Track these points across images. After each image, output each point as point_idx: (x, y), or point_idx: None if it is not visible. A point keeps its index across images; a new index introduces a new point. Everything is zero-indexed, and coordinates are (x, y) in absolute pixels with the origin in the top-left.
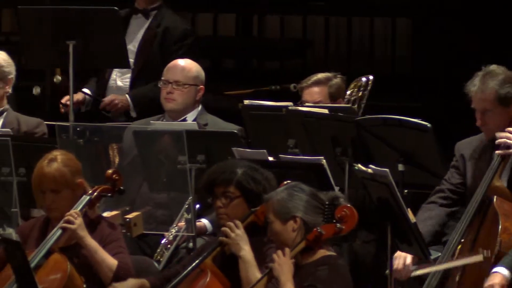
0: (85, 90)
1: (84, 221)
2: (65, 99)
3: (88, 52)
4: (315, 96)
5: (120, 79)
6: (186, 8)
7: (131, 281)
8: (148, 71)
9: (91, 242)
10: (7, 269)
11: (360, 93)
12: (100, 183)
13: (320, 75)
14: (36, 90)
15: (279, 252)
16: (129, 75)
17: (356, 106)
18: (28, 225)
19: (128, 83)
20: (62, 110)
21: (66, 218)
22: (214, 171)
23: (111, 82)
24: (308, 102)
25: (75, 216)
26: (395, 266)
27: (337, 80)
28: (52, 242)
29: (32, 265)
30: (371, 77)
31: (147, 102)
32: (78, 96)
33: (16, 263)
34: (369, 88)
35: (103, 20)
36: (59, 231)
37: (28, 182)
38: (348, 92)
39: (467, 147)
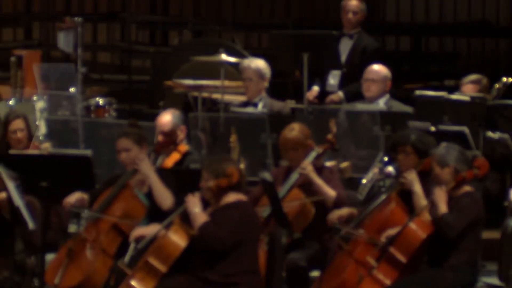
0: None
1: (314, 168)
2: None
3: (315, 60)
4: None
5: (332, 79)
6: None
7: (346, 210)
8: (351, 74)
9: (318, 181)
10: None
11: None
12: (323, 144)
13: (475, 76)
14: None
15: (438, 187)
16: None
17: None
18: (277, 170)
19: (337, 82)
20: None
21: (301, 166)
22: (396, 136)
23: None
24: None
25: (306, 164)
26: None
27: (484, 80)
28: (292, 181)
29: (280, 196)
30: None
31: (354, 93)
32: (313, 93)
33: (270, 195)
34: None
35: (324, 40)
36: (297, 175)
37: (277, 143)
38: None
39: None
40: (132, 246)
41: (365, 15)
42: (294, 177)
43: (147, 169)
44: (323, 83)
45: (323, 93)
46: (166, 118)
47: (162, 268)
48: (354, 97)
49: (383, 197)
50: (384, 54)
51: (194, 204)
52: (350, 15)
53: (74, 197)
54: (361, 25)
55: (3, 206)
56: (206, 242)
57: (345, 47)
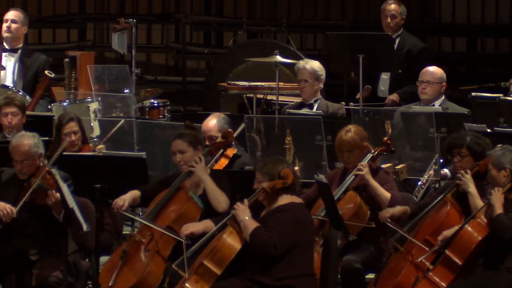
0: (368, 86)
1: (369, 169)
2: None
3: (370, 63)
4: None
5: (382, 85)
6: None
7: (398, 208)
8: (399, 77)
9: (374, 183)
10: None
11: None
12: (379, 145)
13: None
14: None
15: (496, 188)
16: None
17: None
18: (333, 172)
19: (387, 87)
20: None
21: (357, 167)
22: (452, 138)
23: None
24: None
25: (364, 166)
26: None
27: None
28: (348, 183)
29: (335, 198)
30: None
31: (410, 95)
32: (366, 93)
33: (326, 197)
34: None
35: (380, 41)
36: (353, 177)
37: (332, 145)
38: None
39: None
40: (184, 245)
41: (405, 18)
42: (349, 179)
43: (202, 172)
44: (374, 86)
45: (374, 98)
46: (212, 122)
47: (217, 270)
48: (410, 99)
49: (439, 199)
50: (439, 55)
51: (243, 211)
52: (389, 20)
53: (125, 201)
54: (403, 27)
55: (55, 207)
56: (259, 247)
57: None
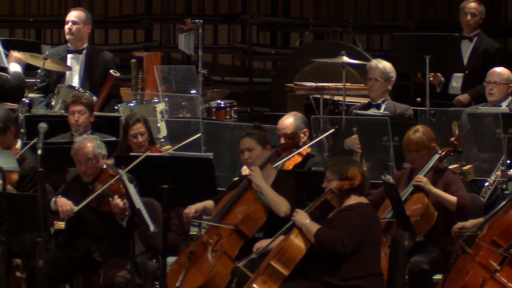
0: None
1: (434, 170)
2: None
3: (438, 63)
4: None
5: (455, 82)
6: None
7: (470, 222)
8: (474, 77)
9: (436, 191)
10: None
11: None
12: (446, 146)
13: None
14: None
15: None
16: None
17: None
18: (400, 173)
19: (460, 85)
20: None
21: (415, 178)
22: None
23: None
24: None
25: (421, 178)
26: None
27: None
28: (407, 194)
29: (403, 199)
30: None
31: (481, 96)
32: (435, 81)
33: (393, 197)
34: None
35: (447, 42)
36: (412, 187)
37: (399, 146)
38: None
39: None
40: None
41: (483, 17)
42: (408, 190)
43: (259, 180)
44: (445, 86)
45: (445, 95)
46: (288, 120)
47: (284, 271)
48: (480, 100)
49: (506, 199)
50: (506, 55)
51: (302, 217)
52: (469, 17)
53: (191, 209)
54: (480, 27)
55: (119, 214)
56: (326, 246)
57: (465, 50)
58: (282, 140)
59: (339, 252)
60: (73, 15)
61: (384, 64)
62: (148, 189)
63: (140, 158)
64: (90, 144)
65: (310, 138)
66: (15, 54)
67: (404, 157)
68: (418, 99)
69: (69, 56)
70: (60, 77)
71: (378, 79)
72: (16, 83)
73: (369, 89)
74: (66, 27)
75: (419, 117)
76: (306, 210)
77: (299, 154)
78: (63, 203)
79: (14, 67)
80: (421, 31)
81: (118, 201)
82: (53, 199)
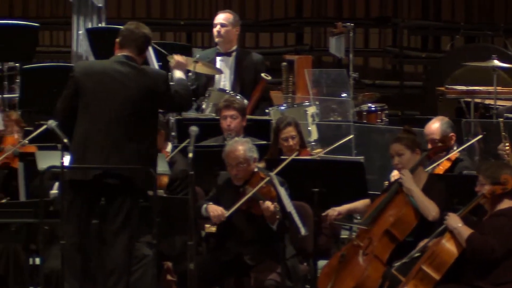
0: None
1: None
2: None
3: None
4: None
5: None
6: None
7: None
8: None
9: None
10: None
11: None
12: None
13: None
14: None
15: None
16: None
17: None
18: None
19: None
20: None
21: None
22: None
23: None
24: None
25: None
26: None
27: None
28: None
29: None
30: None
31: None
32: None
33: None
34: None
35: None
36: None
37: None
38: None
39: None
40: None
41: None
42: None
43: (410, 184)
44: None
45: None
46: (435, 125)
47: (435, 275)
48: None
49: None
50: None
51: (455, 220)
52: None
53: (335, 210)
54: None
55: (270, 217)
56: (475, 252)
57: None
58: (430, 145)
59: (488, 258)
60: (221, 17)
61: None
62: (299, 192)
63: (286, 161)
64: (241, 147)
65: (458, 142)
66: (178, 58)
67: None
68: None
69: (218, 58)
70: (209, 80)
71: None
72: (184, 92)
73: None
74: (215, 29)
75: None
76: (459, 214)
77: (448, 159)
78: (214, 209)
79: (178, 74)
80: None
81: (269, 204)
82: (204, 205)
